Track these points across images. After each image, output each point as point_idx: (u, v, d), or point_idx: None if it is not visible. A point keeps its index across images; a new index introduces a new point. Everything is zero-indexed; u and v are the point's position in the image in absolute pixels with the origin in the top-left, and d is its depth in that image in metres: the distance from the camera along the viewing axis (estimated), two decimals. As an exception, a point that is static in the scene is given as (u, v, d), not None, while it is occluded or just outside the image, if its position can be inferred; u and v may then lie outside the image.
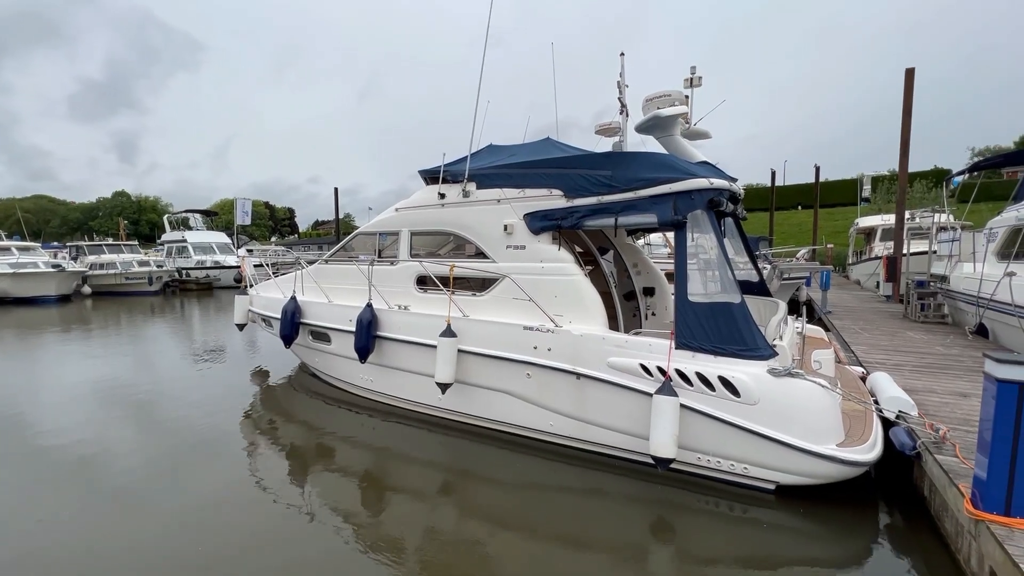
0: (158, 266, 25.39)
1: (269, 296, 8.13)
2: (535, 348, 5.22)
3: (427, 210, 6.35)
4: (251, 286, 8.84)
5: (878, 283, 16.20)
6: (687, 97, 6.17)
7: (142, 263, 24.88)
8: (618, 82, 7.05)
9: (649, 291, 7.40)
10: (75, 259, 26.00)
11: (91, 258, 25.01)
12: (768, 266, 12.57)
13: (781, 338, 4.84)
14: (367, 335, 6.22)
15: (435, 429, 6.04)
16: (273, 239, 65.09)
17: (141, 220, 72.58)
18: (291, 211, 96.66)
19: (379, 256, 6.89)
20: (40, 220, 67.32)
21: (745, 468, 4.35)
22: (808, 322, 11.83)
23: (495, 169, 5.90)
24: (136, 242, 32.37)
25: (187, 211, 33.24)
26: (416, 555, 3.68)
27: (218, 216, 37.19)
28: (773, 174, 32.79)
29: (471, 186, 5.97)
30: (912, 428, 4.28)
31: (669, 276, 12.71)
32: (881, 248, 19.24)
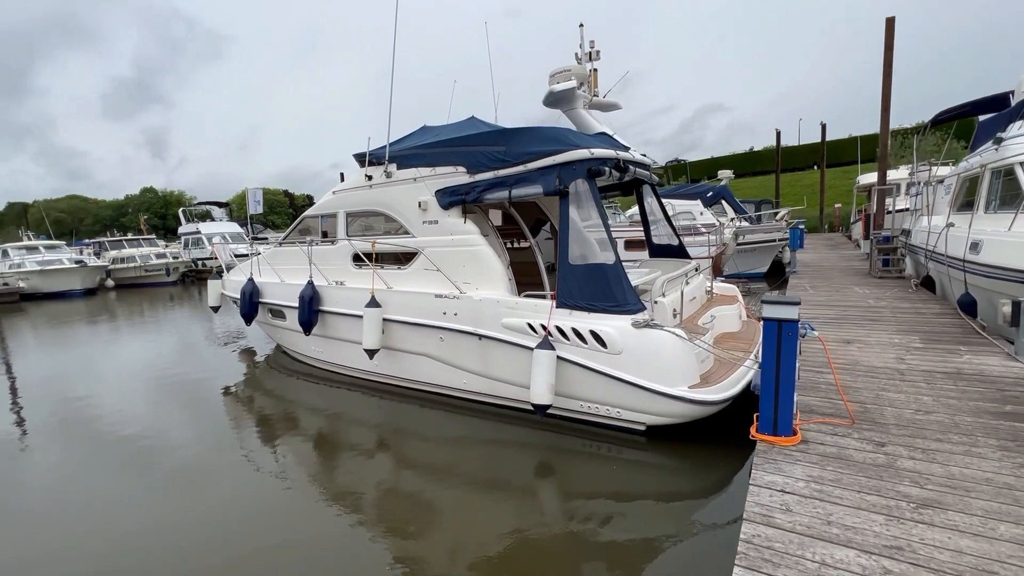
0: (174, 257, 26.77)
1: (237, 280, 8.82)
2: (444, 314, 5.71)
3: (358, 191, 6.83)
4: (226, 271, 9.56)
5: (859, 242, 16.01)
6: (594, 71, 6.38)
7: (159, 255, 26.29)
8: (576, 54, 6.85)
9: None
10: (98, 255, 27.61)
11: (113, 253, 26.55)
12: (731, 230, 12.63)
13: (664, 295, 5.18)
14: (309, 310, 6.82)
15: (373, 393, 6.64)
16: None
17: (168, 214, 75.32)
18: (310, 198, 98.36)
19: (323, 236, 7.44)
20: (75, 219, 70.64)
21: (618, 412, 4.79)
22: (776, 282, 11.90)
23: (412, 150, 6.29)
24: (154, 236, 33.92)
25: (199, 203, 34.59)
26: (365, 505, 4.18)
27: (229, 206, 38.51)
28: (778, 134, 31.81)
29: (392, 167, 6.40)
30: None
31: (627, 243, 12.87)
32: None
